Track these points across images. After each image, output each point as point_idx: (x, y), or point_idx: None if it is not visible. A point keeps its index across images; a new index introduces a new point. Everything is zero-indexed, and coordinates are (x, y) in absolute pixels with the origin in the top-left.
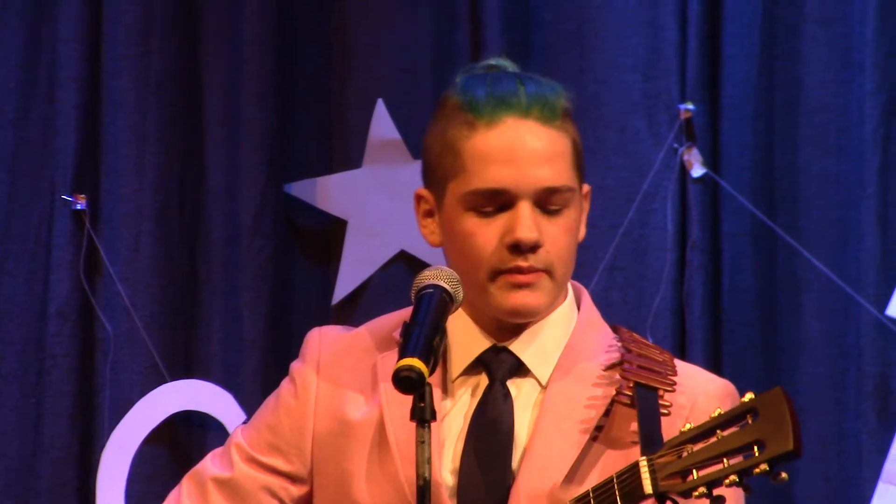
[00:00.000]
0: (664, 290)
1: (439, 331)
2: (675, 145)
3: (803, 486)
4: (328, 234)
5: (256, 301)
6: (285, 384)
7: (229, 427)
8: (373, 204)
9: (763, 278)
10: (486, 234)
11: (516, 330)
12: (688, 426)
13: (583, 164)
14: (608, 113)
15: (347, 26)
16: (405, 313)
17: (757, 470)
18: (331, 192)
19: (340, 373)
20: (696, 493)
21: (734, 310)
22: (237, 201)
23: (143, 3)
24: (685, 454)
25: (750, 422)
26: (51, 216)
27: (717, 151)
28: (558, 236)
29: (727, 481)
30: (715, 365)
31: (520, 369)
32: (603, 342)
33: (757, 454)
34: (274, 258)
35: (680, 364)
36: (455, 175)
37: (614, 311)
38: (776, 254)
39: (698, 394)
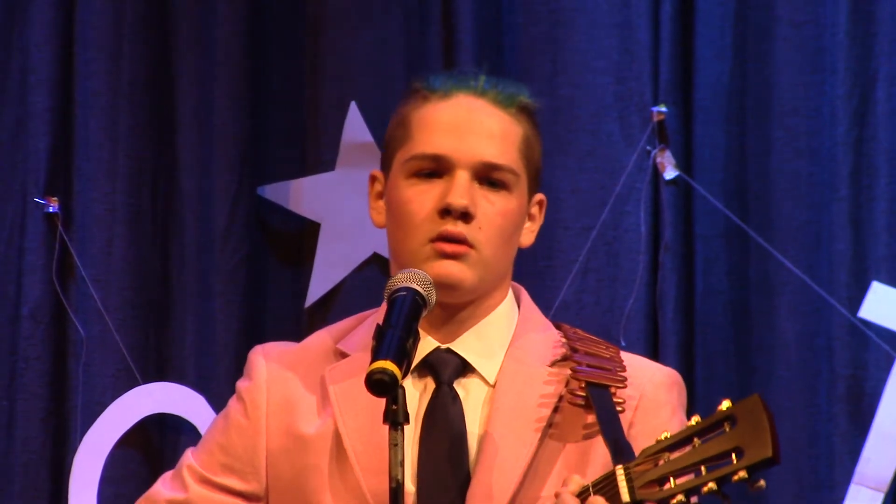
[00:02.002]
0: (637, 292)
1: (412, 333)
2: (648, 147)
3: (775, 488)
4: (301, 236)
5: (229, 304)
6: (234, 403)
7: (202, 430)
8: (346, 207)
9: (736, 280)
10: (422, 201)
11: (459, 330)
12: (665, 435)
13: (535, 165)
14: (581, 115)
15: (320, 29)
16: (346, 324)
17: (735, 477)
18: (304, 195)
19: (289, 388)
20: (674, 502)
21: (707, 312)
22: (210, 204)
23: (115, 6)
24: (662, 462)
25: (728, 430)
26: (23, 219)
27: (689, 153)
28: (493, 216)
29: (705, 489)
30: (688, 367)
31: (465, 369)
32: (547, 339)
33: (735, 461)
34: (247, 261)
35: (626, 357)
36: (402, 144)
37: (587, 314)
38: (749, 256)
39: (645, 383)
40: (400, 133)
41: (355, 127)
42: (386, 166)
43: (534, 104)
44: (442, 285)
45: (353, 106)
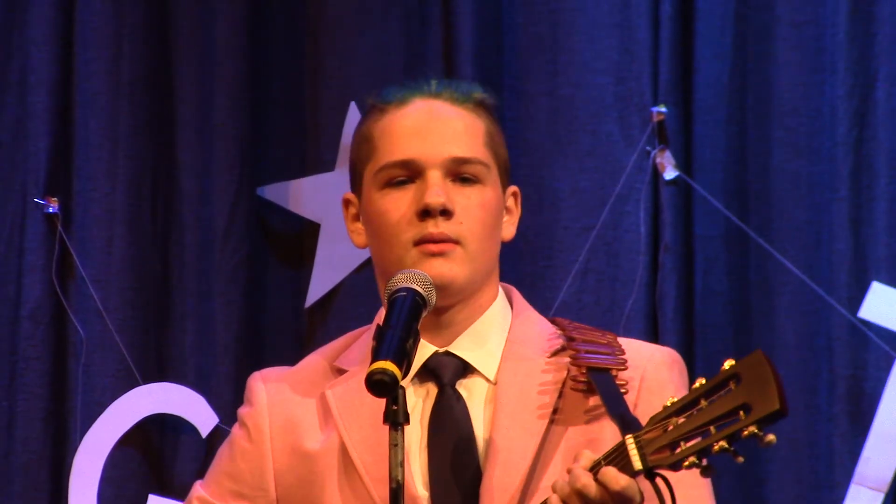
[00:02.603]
0: (637, 292)
1: (412, 333)
2: (648, 148)
3: (775, 488)
4: (301, 237)
5: (229, 304)
6: (237, 430)
7: (202, 430)
8: None
9: (736, 281)
10: (399, 208)
11: (455, 332)
12: (671, 400)
13: (503, 159)
14: (581, 115)
15: (320, 29)
16: (342, 342)
17: (745, 433)
18: (304, 196)
19: (290, 409)
20: (686, 464)
21: (707, 312)
22: (210, 204)
23: (115, 7)
24: (671, 427)
25: (733, 388)
26: (23, 219)
27: (689, 154)
28: (472, 209)
29: (716, 447)
30: (688, 367)
31: (466, 370)
32: (543, 333)
33: (744, 418)
34: (247, 261)
35: (624, 341)
36: (369, 158)
37: (586, 314)
38: (749, 256)
39: (646, 364)
40: (365, 149)
41: (355, 127)
42: (356, 186)
43: (490, 99)
44: (434, 286)
45: (352, 106)
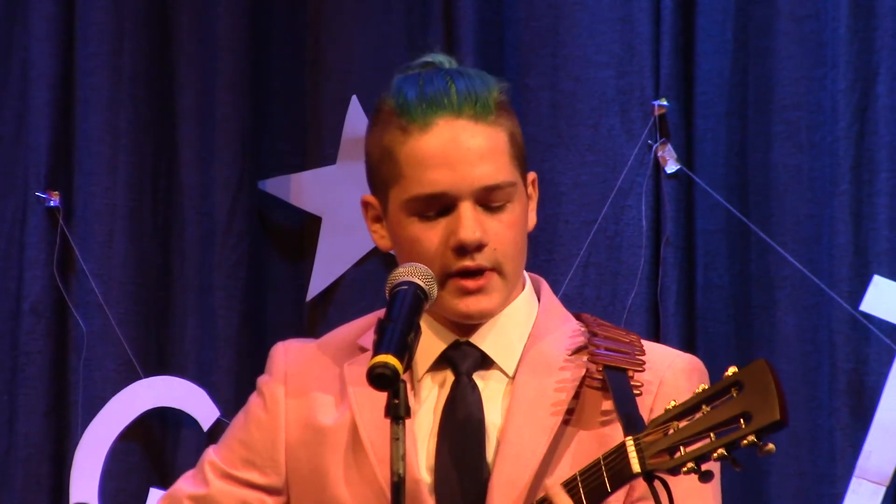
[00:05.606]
0: (638, 286)
1: (413, 327)
2: (650, 142)
3: (777, 482)
4: (302, 230)
5: (230, 298)
6: (254, 398)
7: (203, 424)
8: (347, 200)
9: (737, 275)
10: (431, 238)
11: (478, 323)
12: (672, 404)
13: (524, 155)
14: (582, 109)
15: (321, 23)
16: (367, 320)
17: (745, 442)
18: (305, 189)
19: (308, 382)
20: (685, 469)
21: (708, 306)
22: (211, 198)
23: (116, 2)
24: (671, 431)
25: (735, 395)
26: (24, 213)
27: (690, 148)
28: (504, 233)
29: (715, 455)
30: None
31: (485, 362)
32: (566, 329)
33: (744, 426)
34: (248, 255)
35: (647, 343)
36: (395, 182)
37: (588, 308)
38: (750, 250)
39: (665, 369)
40: (389, 168)
41: (356, 121)
42: (379, 195)
43: (506, 93)
44: (470, 319)
45: (354, 100)
